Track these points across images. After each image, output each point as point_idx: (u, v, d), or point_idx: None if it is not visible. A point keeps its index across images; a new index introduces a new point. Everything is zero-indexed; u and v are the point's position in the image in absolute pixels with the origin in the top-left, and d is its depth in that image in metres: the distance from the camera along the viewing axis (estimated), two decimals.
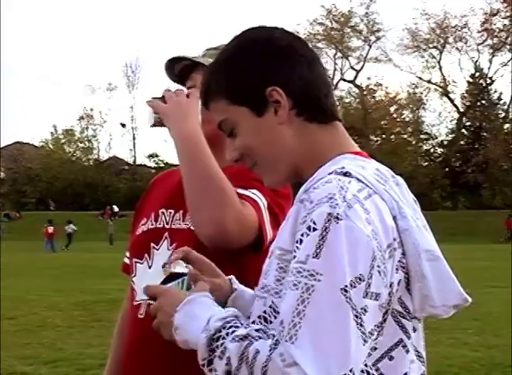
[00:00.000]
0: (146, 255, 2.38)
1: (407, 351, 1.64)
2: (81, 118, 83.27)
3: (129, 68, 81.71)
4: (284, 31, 1.80)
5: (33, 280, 20.74)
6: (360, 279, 1.50)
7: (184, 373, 2.11)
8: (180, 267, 1.86)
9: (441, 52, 72.02)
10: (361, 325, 1.49)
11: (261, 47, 1.74)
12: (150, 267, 2.37)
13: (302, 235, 1.54)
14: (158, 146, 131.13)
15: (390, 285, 1.57)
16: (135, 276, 2.42)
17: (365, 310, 1.50)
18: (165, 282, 1.87)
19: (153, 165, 77.07)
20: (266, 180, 1.81)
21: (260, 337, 1.54)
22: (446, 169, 70.11)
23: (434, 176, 67.34)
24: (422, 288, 1.62)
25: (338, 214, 1.52)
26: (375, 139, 71.86)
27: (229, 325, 1.59)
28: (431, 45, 71.66)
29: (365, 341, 1.50)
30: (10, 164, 77.45)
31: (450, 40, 71.32)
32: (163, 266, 1.90)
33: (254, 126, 1.73)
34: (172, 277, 1.82)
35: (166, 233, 2.34)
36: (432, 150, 75.03)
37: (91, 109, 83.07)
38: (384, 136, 71.63)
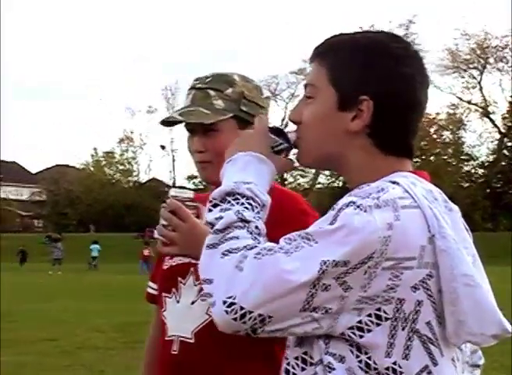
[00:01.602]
0: (174, 290, 2.41)
1: None
2: (121, 140, 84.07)
3: (168, 91, 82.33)
4: (415, 54, 1.75)
5: (73, 301, 20.86)
6: (345, 263, 1.49)
7: None
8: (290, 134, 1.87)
9: (481, 73, 71.58)
10: (312, 295, 1.49)
11: (387, 57, 1.69)
12: (178, 302, 2.39)
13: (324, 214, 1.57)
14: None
15: (387, 299, 1.53)
16: (165, 310, 2.44)
17: (326, 288, 1.49)
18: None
19: (192, 187, 77.37)
20: (299, 159, 1.80)
21: (251, 233, 1.58)
22: (487, 191, 69.48)
23: (475, 198, 66.75)
24: (456, 313, 1.58)
25: (361, 204, 1.51)
26: (415, 160, 71.35)
27: (251, 200, 1.62)
28: (471, 66, 71.27)
29: (303, 311, 1.51)
30: (51, 186, 78.19)
31: (491, 60, 70.87)
32: None
33: (327, 113, 1.71)
34: (277, 132, 1.82)
35: (192, 268, 2.35)
36: (472, 171, 74.47)
37: (131, 132, 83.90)
38: (424, 157, 71.24)
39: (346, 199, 1.55)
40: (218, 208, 1.62)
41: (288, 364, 1.64)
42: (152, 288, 2.64)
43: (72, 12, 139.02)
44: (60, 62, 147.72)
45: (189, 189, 2.23)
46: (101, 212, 74.83)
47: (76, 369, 10.11)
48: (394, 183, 1.60)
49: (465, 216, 1.72)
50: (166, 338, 2.39)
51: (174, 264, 2.44)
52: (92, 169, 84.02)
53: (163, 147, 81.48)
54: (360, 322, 1.53)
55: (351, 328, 1.53)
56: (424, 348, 1.58)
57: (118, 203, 74.84)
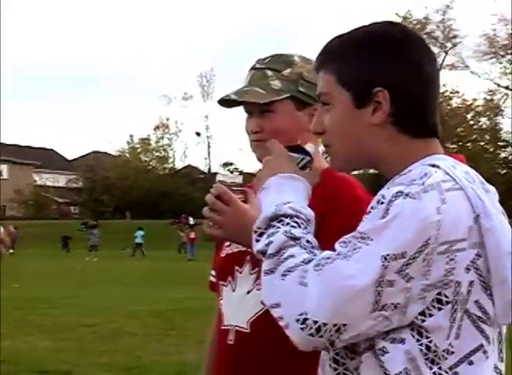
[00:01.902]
0: (230, 278, 2.40)
1: (487, 358, 1.62)
2: (157, 127, 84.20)
3: (203, 78, 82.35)
4: (415, 35, 1.79)
5: (110, 288, 21.04)
6: (403, 255, 1.51)
7: None
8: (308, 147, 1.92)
9: None
10: (379, 293, 1.51)
11: (389, 44, 1.73)
12: (234, 291, 2.38)
13: (371, 208, 1.59)
14: (232, 155, 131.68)
15: (446, 283, 1.55)
16: (222, 299, 2.44)
17: (391, 284, 1.52)
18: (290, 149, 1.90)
19: (229, 173, 77.10)
20: (332, 164, 1.85)
21: (304, 248, 1.60)
22: None
23: (511, 184, 66.04)
24: (505, 292, 1.60)
25: (409, 192, 1.54)
26: (452, 147, 70.86)
27: (295, 218, 1.65)
28: (509, 51, 70.40)
29: (373, 311, 1.52)
30: (88, 173, 78.60)
31: None
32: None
33: (347, 115, 1.74)
34: (298, 150, 1.85)
35: (248, 257, 2.34)
36: (509, 157, 73.67)
37: (167, 119, 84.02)
38: (461, 143, 70.57)
39: (392, 190, 1.57)
40: (265, 235, 1.64)
41: (337, 354, 1.67)
42: (213, 276, 2.62)
43: None
44: (96, 49, 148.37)
45: (237, 174, 2.24)
46: (137, 199, 75.07)
47: (114, 354, 10.21)
48: (434, 166, 1.62)
49: (501, 202, 1.74)
50: (222, 327, 2.39)
51: (230, 252, 2.44)
52: (128, 156, 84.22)
53: (198, 134, 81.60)
54: (423, 308, 1.56)
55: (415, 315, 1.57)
56: (475, 327, 1.60)
57: (153, 190, 74.99)
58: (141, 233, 47.95)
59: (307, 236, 1.64)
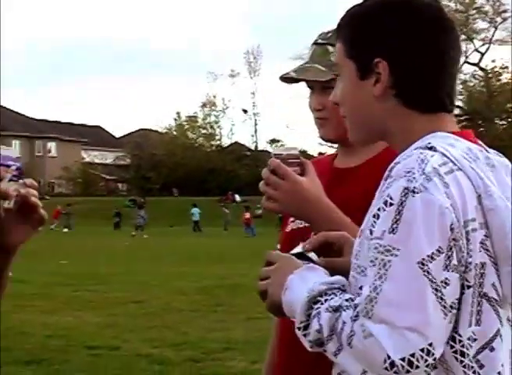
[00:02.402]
0: None
1: (502, 341, 1.60)
2: (204, 105, 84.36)
3: (250, 55, 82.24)
4: (427, 5, 1.72)
5: (157, 265, 21.23)
6: (439, 251, 1.48)
7: None
8: (312, 255, 1.88)
9: None
10: (442, 298, 1.48)
11: (394, 15, 1.70)
12: None
13: (379, 210, 1.55)
14: (279, 131, 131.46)
15: (468, 264, 1.53)
16: None
17: (446, 283, 1.49)
18: None
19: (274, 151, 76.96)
20: (349, 136, 1.83)
21: (348, 307, 1.56)
22: None
23: None
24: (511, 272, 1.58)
25: (415, 187, 1.51)
26: (501, 123, 70.05)
27: (330, 292, 1.61)
28: None
29: (446, 315, 1.49)
30: (135, 150, 79.08)
31: None
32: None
33: (353, 85, 1.74)
34: (301, 256, 1.85)
35: (312, 233, 2.29)
36: None
37: (214, 96, 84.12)
38: (510, 119, 69.70)
39: (396, 187, 1.53)
40: (311, 325, 1.59)
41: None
42: (279, 250, 2.63)
43: None
44: (145, 26, 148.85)
45: (294, 146, 2.22)
46: (184, 176, 75.38)
47: (161, 330, 10.33)
48: (431, 148, 1.58)
49: None
50: None
51: (295, 227, 2.44)
52: (175, 133, 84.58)
53: (245, 111, 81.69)
54: None
55: None
56: (494, 310, 1.58)
57: (200, 167, 75.24)
58: (197, 210, 48.22)
59: (343, 297, 1.59)
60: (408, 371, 1.47)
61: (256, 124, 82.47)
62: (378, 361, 1.48)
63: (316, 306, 1.58)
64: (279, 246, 2.62)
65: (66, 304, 12.77)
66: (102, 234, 40.26)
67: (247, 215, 44.33)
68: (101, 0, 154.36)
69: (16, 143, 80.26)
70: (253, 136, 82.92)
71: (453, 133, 1.67)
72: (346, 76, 1.75)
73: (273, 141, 78.63)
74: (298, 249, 1.87)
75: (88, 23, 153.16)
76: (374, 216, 1.56)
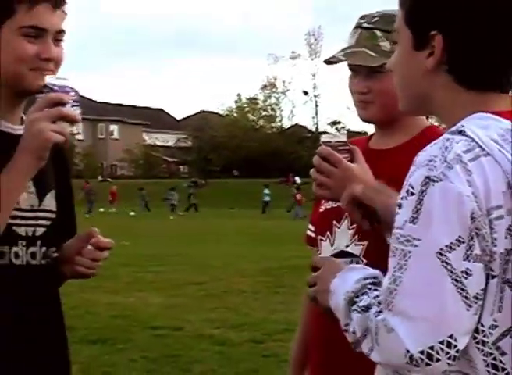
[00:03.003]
0: (328, 233, 2.43)
1: None
2: (265, 86, 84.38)
3: (311, 36, 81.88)
4: None
5: (218, 246, 21.34)
6: (459, 241, 1.45)
7: None
8: (353, 248, 1.88)
9: None
10: (463, 289, 1.45)
11: None
12: (332, 245, 2.41)
13: (401, 199, 1.53)
14: (340, 113, 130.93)
15: (492, 253, 1.49)
16: (320, 253, 2.46)
17: (467, 273, 1.46)
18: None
19: (335, 132, 76.89)
20: (399, 105, 1.79)
21: (374, 304, 1.55)
22: None
23: None
24: None
25: (435, 176, 1.48)
26: None
27: (363, 290, 1.61)
28: None
29: (469, 306, 1.46)
30: (196, 133, 79.45)
31: None
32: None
33: (406, 54, 1.70)
34: (342, 254, 1.85)
35: (347, 212, 2.33)
36: None
37: (275, 78, 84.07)
38: None
39: (417, 176, 1.50)
40: (349, 327, 1.60)
41: None
42: (311, 230, 2.66)
43: None
44: (205, 8, 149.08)
45: (343, 132, 2.24)
46: (245, 158, 75.56)
47: (222, 311, 10.40)
48: (460, 132, 1.55)
49: None
50: None
51: (329, 207, 2.46)
52: (236, 115, 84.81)
53: (306, 92, 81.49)
54: None
55: None
56: None
57: (261, 149, 75.32)
58: (267, 191, 48.35)
59: (372, 295, 1.59)
60: (428, 364, 1.46)
61: (317, 106, 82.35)
62: (399, 355, 1.47)
63: (353, 308, 1.59)
64: (310, 226, 2.65)
65: (130, 284, 12.94)
66: (163, 216, 40.56)
67: (298, 196, 44.32)
68: None
69: (79, 126, 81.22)
70: (313, 118, 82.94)
71: (500, 113, 1.62)
72: (402, 43, 1.72)
73: (334, 123, 78.41)
74: (342, 247, 1.88)
75: (151, 4, 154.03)
76: (398, 206, 1.54)
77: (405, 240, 1.49)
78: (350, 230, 2.36)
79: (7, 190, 1.93)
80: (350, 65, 2.42)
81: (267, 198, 47.99)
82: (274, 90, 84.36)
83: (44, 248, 2.16)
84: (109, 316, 9.83)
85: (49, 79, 1.99)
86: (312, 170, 2.17)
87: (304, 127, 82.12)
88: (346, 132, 2.24)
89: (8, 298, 2.07)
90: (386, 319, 1.49)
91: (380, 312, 1.52)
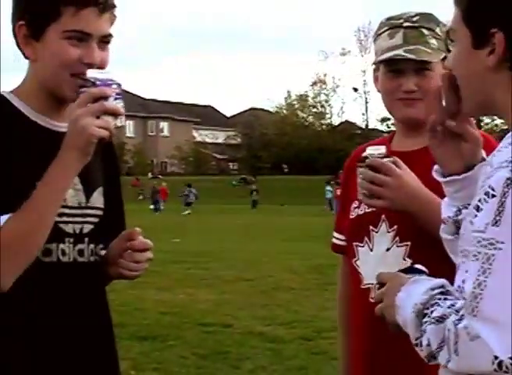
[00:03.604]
0: (366, 238, 2.42)
1: None
2: (314, 83, 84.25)
3: (361, 32, 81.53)
4: None
5: (268, 243, 21.34)
6: None
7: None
8: (420, 266, 1.85)
9: None
10: None
11: None
12: (371, 250, 2.41)
13: (479, 201, 1.49)
14: None
15: None
16: (358, 259, 2.46)
17: None
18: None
19: (385, 128, 76.63)
20: (463, 106, 1.76)
21: (450, 314, 1.51)
22: None
23: None
24: None
25: None
26: None
27: (433, 302, 1.57)
28: None
29: None
30: (246, 130, 79.63)
31: None
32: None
33: (466, 53, 1.67)
34: (410, 270, 1.82)
35: (383, 216, 2.37)
36: None
37: (324, 75, 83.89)
38: None
39: (498, 178, 1.47)
40: (422, 340, 1.56)
41: None
42: (338, 239, 2.67)
43: None
44: (258, 5, 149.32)
45: (381, 146, 2.29)
46: (294, 155, 75.57)
47: (272, 308, 10.39)
48: None
49: None
50: (362, 287, 2.42)
51: (362, 213, 2.46)
52: (285, 112, 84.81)
53: (356, 89, 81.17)
54: None
55: None
56: None
57: (311, 146, 75.28)
58: (329, 188, 48.29)
59: (445, 304, 1.55)
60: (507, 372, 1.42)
61: (367, 102, 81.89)
62: (485, 362, 1.43)
63: (424, 320, 1.56)
64: (336, 235, 2.64)
65: (180, 281, 12.98)
66: (214, 213, 40.70)
67: (339, 191, 44.22)
68: None
69: (129, 123, 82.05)
70: (363, 114, 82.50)
71: None
72: (460, 42, 1.69)
73: (384, 120, 77.89)
74: (407, 264, 1.86)
75: (201, 0, 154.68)
76: (475, 208, 1.50)
77: (488, 243, 1.46)
78: (389, 232, 2.36)
79: (54, 187, 1.94)
80: (393, 65, 2.41)
81: (329, 195, 47.89)
82: (324, 86, 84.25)
83: (91, 246, 2.16)
84: (159, 313, 9.86)
85: (91, 72, 1.98)
86: (362, 182, 2.21)
87: (353, 124, 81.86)
88: (385, 146, 2.27)
89: (56, 294, 2.07)
90: (470, 325, 1.45)
91: (460, 319, 1.48)
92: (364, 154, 2.25)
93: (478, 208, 1.50)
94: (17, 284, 1.95)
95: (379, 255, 2.37)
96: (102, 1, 2.04)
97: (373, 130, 78.86)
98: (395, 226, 2.34)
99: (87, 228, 2.15)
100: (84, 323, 2.14)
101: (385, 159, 2.22)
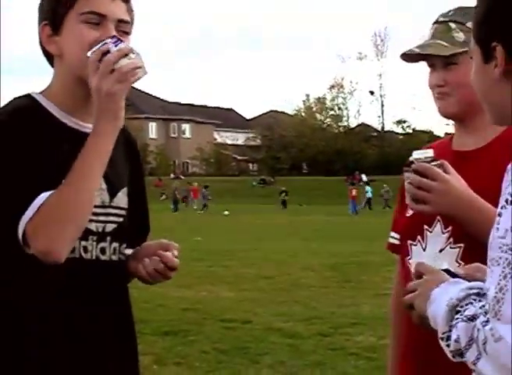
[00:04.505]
0: (419, 237, 2.36)
1: None
2: (332, 87, 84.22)
3: (377, 37, 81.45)
4: None
5: (287, 242, 21.33)
6: None
7: None
8: (458, 272, 1.84)
9: None
10: None
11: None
12: (424, 249, 2.35)
13: (501, 208, 1.49)
14: (405, 112, 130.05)
15: None
16: (410, 258, 2.40)
17: None
18: None
19: (400, 131, 76.50)
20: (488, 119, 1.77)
21: (481, 314, 1.51)
22: None
23: None
24: None
25: None
26: None
27: (467, 300, 1.56)
28: None
29: None
30: (265, 132, 79.67)
31: None
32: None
33: (478, 68, 1.69)
34: (451, 274, 1.81)
35: (438, 216, 2.29)
36: None
37: (342, 78, 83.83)
38: None
39: None
40: (451, 335, 1.56)
41: None
42: (393, 238, 2.59)
43: None
44: (276, 15, 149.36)
45: (428, 150, 2.23)
46: (312, 157, 75.53)
47: (291, 305, 10.39)
48: None
49: None
50: None
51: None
52: (304, 114, 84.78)
53: (372, 92, 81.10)
54: None
55: None
56: None
57: (328, 148, 75.21)
58: (370, 189, 48.26)
59: (477, 305, 1.55)
60: None
61: (383, 105, 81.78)
62: (508, 362, 1.43)
63: (456, 316, 1.55)
64: (393, 234, 2.58)
65: (201, 279, 13.00)
66: (235, 213, 40.72)
67: (354, 192, 44.11)
68: None
69: (152, 125, 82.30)
70: (379, 117, 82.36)
71: None
72: (475, 59, 1.71)
73: (399, 122, 77.81)
74: (445, 266, 1.83)
75: (224, 3, 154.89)
76: (498, 215, 1.51)
77: (508, 248, 1.45)
78: (444, 233, 2.30)
79: (97, 153, 1.96)
80: (427, 60, 2.38)
81: (369, 195, 47.82)
82: (341, 90, 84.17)
83: (115, 244, 2.15)
84: (181, 309, 9.88)
85: (89, 53, 2.00)
86: (410, 187, 2.16)
87: (369, 126, 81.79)
88: (431, 150, 2.22)
89: (77, 291, 2.06)
90: (494, 327, 1.45)
91: (487, 321, 1.48)
92: (411, 158, 2.19)
93: (500, 215, 1.50)
94: (38, 279, 1.96)
95: (432, 256, 2.30)
96: None
97: (389, 132, 78.72)
98: (449, 228, 2.28)
99: (110, 227, 2.14)
100: (104, 319, 2.12)
101: (433, 163, 2.15)
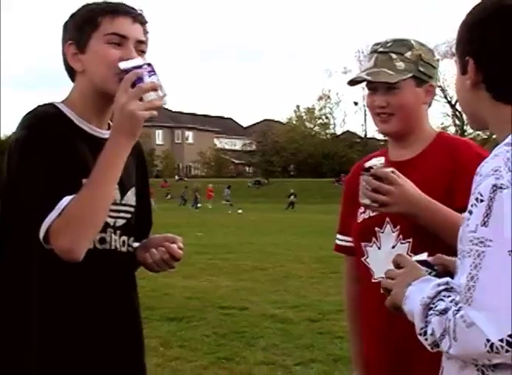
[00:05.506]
0: (374, 239, 2.42)
1: None
2: (320, 98, 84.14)
3: (361, 53, 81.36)
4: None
5: (279, 237, 21.30)
6: None
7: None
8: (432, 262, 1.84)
9: None
10: None
11: (481, 17, 1.67)
12: (379, 248, 2.41)
13: (472, 206, 1.52)
14: None
15: None
16: (367, 257, 2.46)
17: None
18: None
19: (382, 137, 76.41)
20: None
21: (451, 306, 1.52)
22: None
23: None
24: None
25: (502, 184, 1.48)
26: None
27: (438, 297, 1.57)
28: None
29: None
30: (260, 138, 79.67)
31: None
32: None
33: (459, 80, 1.73)
34: (423, 263, 1.81)
35: (387, 218, 2.37)
36: None
37: (329, 90, 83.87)
38: None
39: (486, 185, 1.50)
40: (427, 330, 1.56)
41: None
42: (341, 240, 2.66)
43: None
44: (265, 28, 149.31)
45: (380, 158, 2.30)
46: (302, 160, 75.53)
47: (283, 294, 10.39)
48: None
49: None
50: (373, 281, 2.41)
51: (367, 217, 2.46)
52: (295, 123, 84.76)
53: (356, 103, 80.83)
54: None
55: None
56: None
57: (317, 152, 75.24)
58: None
59: (448, 298, 1.55)
60: (507, 351, 1.43)
61: (365, 115, 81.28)
62: (479, 346, 1.44)
63: (430, 313, 1.56)
64: (340, 236, 2.63)
65: (203, 270, 12.99)
66: (233, 210, 40.71)
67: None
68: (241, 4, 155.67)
69: (159, 132, 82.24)
70: (362, 125, 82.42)
71: None
72: (456, 70, 1.75)
73: None
74: (423, 257, 1.84)
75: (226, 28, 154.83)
76: (468, 212, 1.53)
77: (479, 241, 1.48)
78: (393, 232, 2.37)
79: (110, 166, 1.96)
80: (370, 84, 2.44)
81: None
82: (328, 101, 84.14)
83: (124, 237, 2.17)
84: (184, 298, 9.88)
85: (123, 64, 2.00)
86: (367, 192, 2.21)
87: (354, 133, 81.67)
88: (383, 157, 2.29)
89: (92, 278, 2.07)
90: (466, 314, 1.46)
91: (458, 310, 1.49)
92: (368, 164, 2.24)
93: (470, 212, 1.52)
94: (59, 268, 1.97)
95: (387, 252, 2.34)
96: (133, 13, 2.11)
97: (371, 138, 78.77)
98: (398, 226, 2.35)
99: (120, 222, 2.16)
100: (113, 304, 2.13)
101: (387, 169, 2.22)
